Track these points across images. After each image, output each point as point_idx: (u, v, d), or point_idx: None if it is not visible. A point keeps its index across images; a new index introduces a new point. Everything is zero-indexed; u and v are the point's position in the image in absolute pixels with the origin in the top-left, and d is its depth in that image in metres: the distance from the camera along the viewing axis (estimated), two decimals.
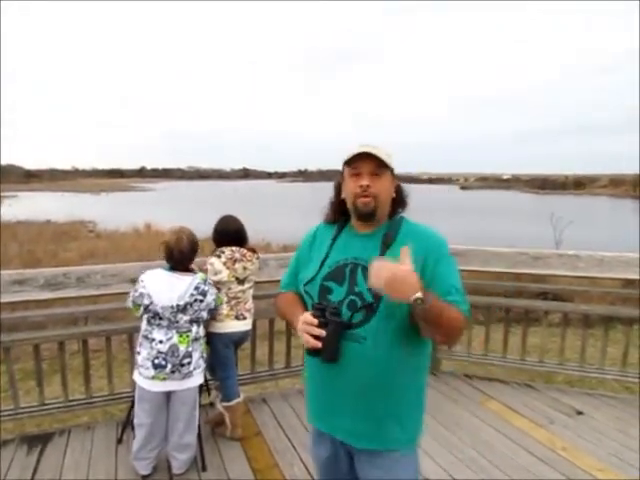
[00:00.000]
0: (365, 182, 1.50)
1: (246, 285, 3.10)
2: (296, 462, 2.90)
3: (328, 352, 1.44)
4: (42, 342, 3.16)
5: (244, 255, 3.05)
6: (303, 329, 1.45)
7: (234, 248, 3.04)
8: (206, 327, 2.94)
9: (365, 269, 1.48)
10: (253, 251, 3.14)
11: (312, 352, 1.46)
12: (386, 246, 1.52)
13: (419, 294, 1.29)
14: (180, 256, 2.65)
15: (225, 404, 3.14)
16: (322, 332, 1.42)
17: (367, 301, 1.47)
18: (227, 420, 3.12)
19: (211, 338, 3.02)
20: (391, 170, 1.57)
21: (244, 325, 3.10)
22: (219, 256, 3.00)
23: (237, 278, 3.03)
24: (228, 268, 2.98)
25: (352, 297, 1.50)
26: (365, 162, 1.51)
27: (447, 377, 4.09)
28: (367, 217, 1.55)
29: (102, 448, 3.03)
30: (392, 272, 1.28)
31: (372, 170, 1.52)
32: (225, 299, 2.99)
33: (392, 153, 1.58)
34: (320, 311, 1.46)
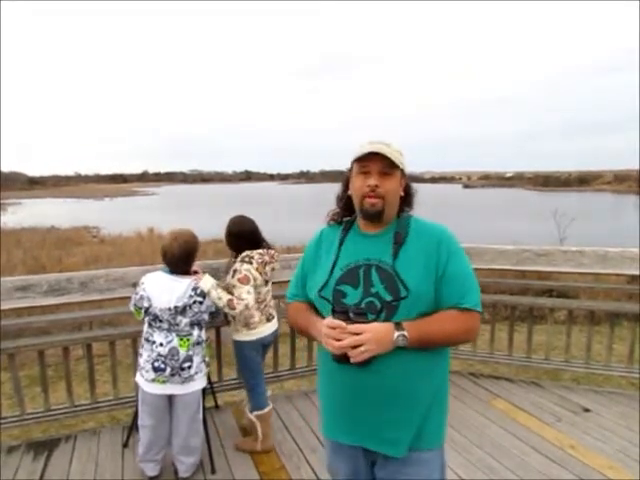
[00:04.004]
0: (373, 182, 1.47)
1: (270, 285, 3.02)
2: (302, 464, 2.89)
3: None
4: (47, 348, 3.16)
5: (272, 256, 2.94)
6: (329, 334, 1.40)
7: (261, 251, 2.89)
8: (214, 331, 2.95)
9: (379, 269, 1.47)
10: (271, 249, 3.02)
11: (342, 359, 1.40)
12: (398, 244, 1.50)
13: (399, 342, 1.39)
14: (172, 259, 2.64)
15: (257, 413, 2.99)
16: (355, 338, 1.36)
17: (386, 300, 1.44)
18: (259, 430, 2.98)
19: (240, 345, 2.92)
20: (401, 169, 1.54)
21: (273, 325, 3.01)
22: (250, 262, 2.81)
23: (265, 280, 2.93)
24: (260, 273, 2.84)
25: (369, 299, 1.46)
26: (375, 160, 1.47)
27: (453, 376, 4.06)
28: (374, 218, 1.52)
29: (108, 453, 3.03)
30: (365, 340, 1.36)
31: (381, 169, 1.48)
32: (255, 305, 2.86)
33: (403, 151, 1.54)
34: (344, 314, 1.40)
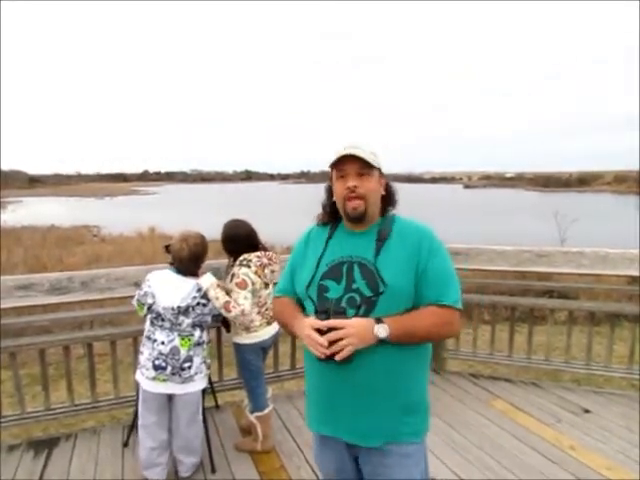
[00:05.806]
0: (352, 183, 1.53)
1: (270, 288, 2.94)
2: (302, 464, 2.89)
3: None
4: (47, 347, 3.17)
5: (270, 258, 2.89)
6: (310, 335, 1.45)
7: (259, 253, 2.85)
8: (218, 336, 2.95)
9: (361, 265, 1.53)
10: (268, 251, 2.97)
11: (324, 358, 1.44)
12: (381, 242, 1.55)
13: (380, 336, 1.43)
14: (180, 265, 2.66)
15: (257, 414, 2.99)
16: (336, 333, 1.41)
17: (365, 296, 1.49)
18: (259, 431, 2.98)
19: (240, 348, 2.90)
20: (378, 169, 1.59)
21: (273, 329, 2.96)
22: (249, 266, 2.78)
23: (266, 283, 2.89)
24: (259, 276, 2.81)
25: (350, 294, 1.52)
26: (350, 163, 1.53)
27: (453, 377, 4.08)
28: (358, 220, 1.58)
29: (108, 452, 3.03)
30: (346, 334, 1.40)
31: (358, 170, 1.54)
32: (256, 309, 2.85)
33: (377, 151, 1.60)
34: (324, 314, 1.45)
